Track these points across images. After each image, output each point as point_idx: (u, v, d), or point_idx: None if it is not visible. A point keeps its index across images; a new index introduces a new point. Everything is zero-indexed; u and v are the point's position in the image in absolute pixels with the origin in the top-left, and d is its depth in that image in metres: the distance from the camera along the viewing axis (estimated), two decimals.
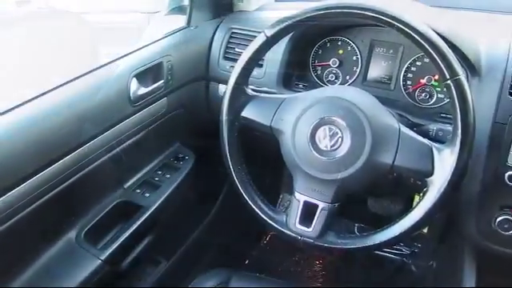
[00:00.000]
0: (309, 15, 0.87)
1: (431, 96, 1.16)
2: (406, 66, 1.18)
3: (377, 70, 1.22)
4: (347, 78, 1.25)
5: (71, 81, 1.00)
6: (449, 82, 0.80)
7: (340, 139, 0.87)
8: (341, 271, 1.85)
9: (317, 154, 0.88)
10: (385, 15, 0.82)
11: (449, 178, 0.81)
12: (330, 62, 1.25)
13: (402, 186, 1.14)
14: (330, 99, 0.90)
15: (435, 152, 0.84)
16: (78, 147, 0.99)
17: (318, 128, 0.88)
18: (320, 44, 1.27)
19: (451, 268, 1.28)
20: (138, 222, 1.13)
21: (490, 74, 1.01)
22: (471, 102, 0.81)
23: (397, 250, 1.85)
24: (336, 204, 0.90)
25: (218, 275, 1.12)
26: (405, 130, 0.88)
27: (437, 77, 1.14)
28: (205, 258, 1.63)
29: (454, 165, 0.81)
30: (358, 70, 1.24)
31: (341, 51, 1.25)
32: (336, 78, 1.26)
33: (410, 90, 1.18)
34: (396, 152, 0.85)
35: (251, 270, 1.78)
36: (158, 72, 1.19)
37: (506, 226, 1.00)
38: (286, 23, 0.90)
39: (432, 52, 0.81)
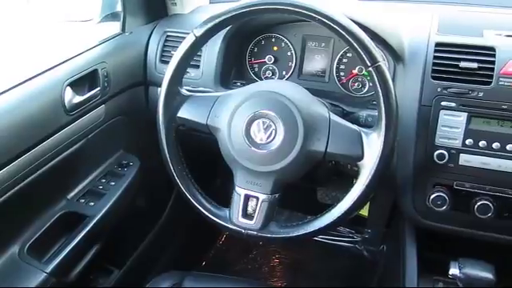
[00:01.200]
0: (235, 13, 0.90)
1: (363, 85, 1.21)
2: (337, 57, 1.23)
3: (311, 64, 1.26)
4: (283, 73, 1.28)
5: (2, 93, 0.98)
6: (370, 69, 0.84)
7: (274, 131, 0.90)
8: (297, 264, 1.89)
9: (253, 148, 0.91)
10: (306, 9, 0.85)
11: (377, 159, 0.86)
12: (266, 59, 1.29)
13: (343, 174, 1.18)
14: (262, 93, 0.92)
15: (364, 137, 0.88)
16: (14, 159, 0.97)
17: (252, 122, 0.91)
18: (255, 42, 1.30)
19: (397, 248, 1.33)
20: (84, 232, 1.12)
21: (413, 60, 1.06)
22: (392, 86, 0.85)
23: (349, 237, 1.91)
24: (276, 195, 0.93)
25: (170, 277, 1.13)
26: (335, 118, 0.91)
27: None
28: (159, 263, 1.62)
29: (381, 147, 0.85)
30: (293, 65, 1.27)
31: (275, 48, 1.29)
32: (273, 74, 1.29)
33: (344, 81, 1.23)
34: (327, 140, 0.89)
35: (209, 271, 1.79)
36: (94, 79, 1.18)
37: (439, 203, 1.05)
38: (214, 22, 0.92)
39: (352, 41, 0.85)
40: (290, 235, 0.92)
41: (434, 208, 1.06)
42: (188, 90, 1.00)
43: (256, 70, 1.31)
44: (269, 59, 1.28)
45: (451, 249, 1.19)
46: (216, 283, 1.15)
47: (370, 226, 1.84)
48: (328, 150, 0.89)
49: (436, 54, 1.04)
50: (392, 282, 1.37)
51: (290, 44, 1.27)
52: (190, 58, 0.97)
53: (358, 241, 1.89)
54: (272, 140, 0.90)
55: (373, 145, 0.87)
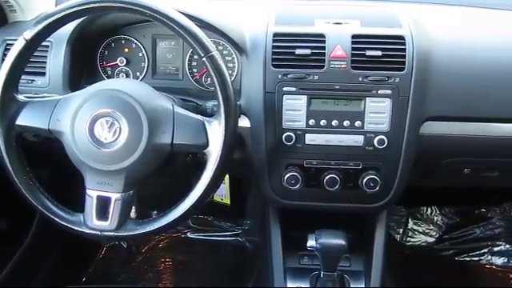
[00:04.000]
0: (64, 13, 0.88)
1: None
2: (188, 55, 1.25)
3: (164, 63, 1.27)
4: (137, 74, 1.28)
5: None
6: (204, 59, 0.88)
7: (118, 129, 0.90)
8: (183, 265, 1.89)
9: (99, 148, 0.90)
10: (136, 5, 0.87)
11: (221, 146, 0.90)
12: (118, 62, 1.27)
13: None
14: (103, 92, 0.92)
15: (207, 125, 0.92)
16: None
17: (95, 122, 0.90)
18: (104, 45, 1.27)
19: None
20: None
21: (255, 51, 1.12)
22: (227, 75, 0.90)
23: (231, 231, 1.96)
24: (130, 192, 0.93)
25: None
26: (178, 110, 0.94)
27: None
28: (32, 284, 1.52)
29: (223, 133, 0.90)
30: (146, 66, 1.27)
31: (126, 49, 1.28)
32: (127, 76, 1.28)
33: (197, 77, 1.26)
34: (173, 132, 0.91)
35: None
36: None
37: (293, 182, 1.12)
38: (43, 24, 0.90)
39: (184, 34, 0.88)
40: (147, 230, 0.93)
41: (289, 187, 1.13)
42: (28, 97, 0.96)
43: (109, 73, 1.29)
44: (121, 61, 1.27)
45: (314, 223, 1.28)
46: None
47: (249, 217, 1.91)
48: (174, 141, 0.91)
49: (274, 44, 1.11)
50: (267, 266, 1.43)
51: (140, 45, 1.27)
52: (24, 62, 0.93)
53: (240, 233, 1.95)
54: (117, 138, 0.90)
55: (216, 132, 0.91)
